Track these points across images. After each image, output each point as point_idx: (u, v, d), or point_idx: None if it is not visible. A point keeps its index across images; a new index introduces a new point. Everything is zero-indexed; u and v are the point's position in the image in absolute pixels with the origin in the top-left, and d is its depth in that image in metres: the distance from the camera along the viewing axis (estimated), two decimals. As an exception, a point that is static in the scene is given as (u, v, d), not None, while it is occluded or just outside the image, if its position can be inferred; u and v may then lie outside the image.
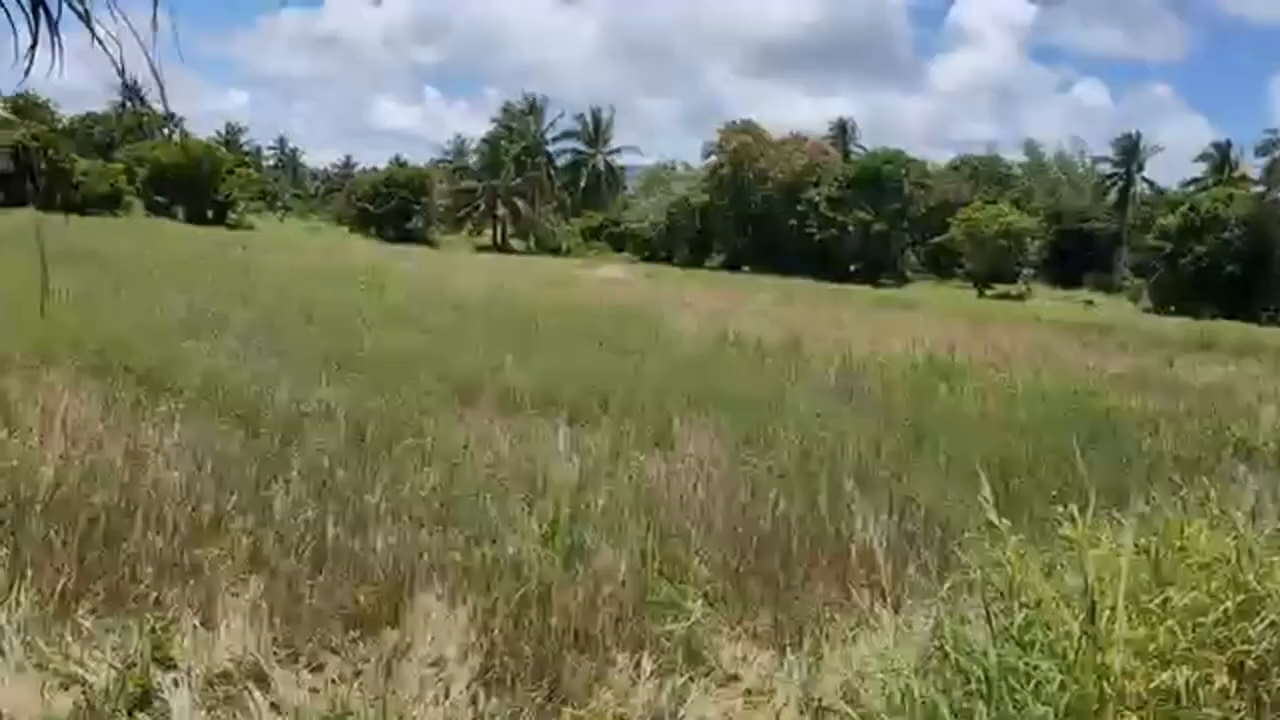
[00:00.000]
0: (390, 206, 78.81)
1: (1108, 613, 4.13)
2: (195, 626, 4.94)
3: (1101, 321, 35.45)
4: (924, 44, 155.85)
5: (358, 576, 5.58)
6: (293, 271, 28.02)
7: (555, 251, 79.17)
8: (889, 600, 6.54)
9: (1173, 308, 55.91)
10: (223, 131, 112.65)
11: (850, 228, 72.29)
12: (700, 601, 5.69)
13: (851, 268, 71.16)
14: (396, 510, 6.74)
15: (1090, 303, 60.69)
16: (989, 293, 65.48)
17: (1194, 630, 4.40)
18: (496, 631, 5.02)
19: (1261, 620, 4.70)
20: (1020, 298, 63.71)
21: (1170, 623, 4.33)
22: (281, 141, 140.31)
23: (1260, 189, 60.68)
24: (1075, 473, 9.28)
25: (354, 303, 19.39)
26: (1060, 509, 5.56)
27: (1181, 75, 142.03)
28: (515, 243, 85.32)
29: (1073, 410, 13.52)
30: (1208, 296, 54.96)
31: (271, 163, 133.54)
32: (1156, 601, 4.45)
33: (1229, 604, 4.60)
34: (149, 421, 8.51)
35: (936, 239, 74.41)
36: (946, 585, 4.82)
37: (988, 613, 4.05)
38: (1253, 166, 67.66)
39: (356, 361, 12.12)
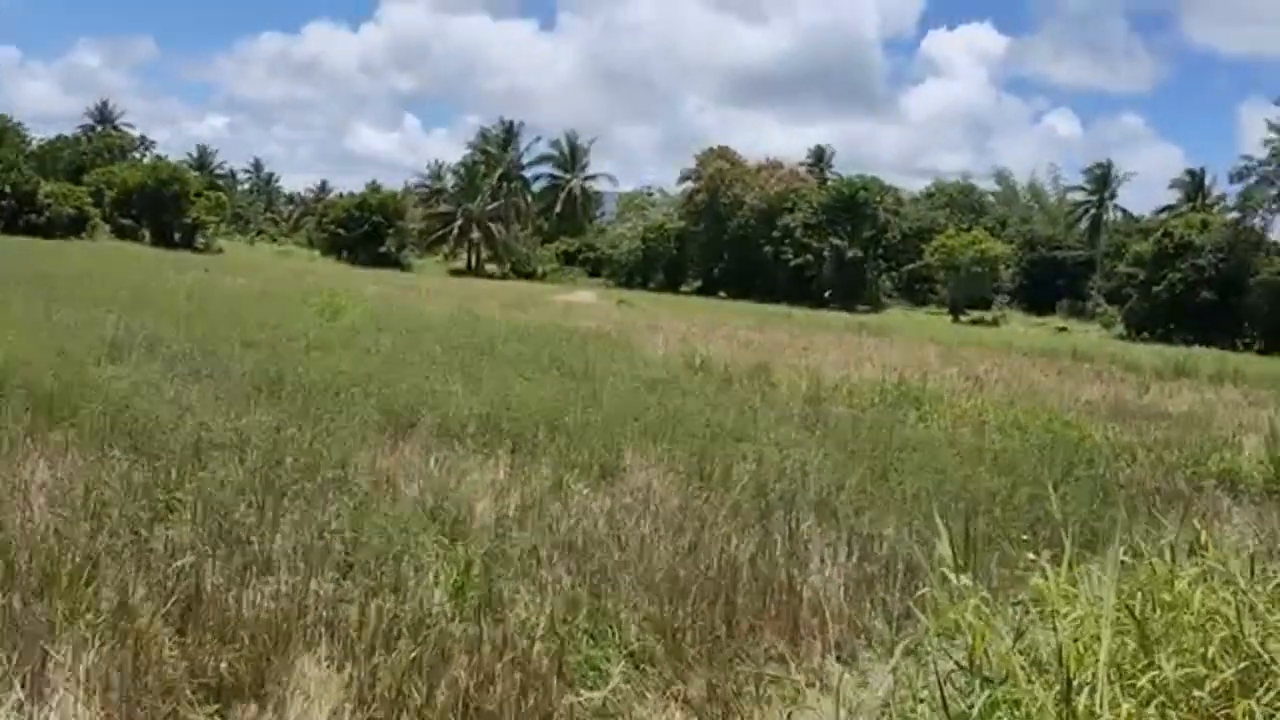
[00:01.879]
0: (363, 230, 77.94)
1: (1086, 690, 3.46)
2: (20, 702, 4.18)
3: (1076, 348, 35.04)
4: (897, 74, 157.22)
5: (229, 636, 4.84)
6: (249, 295, 27.20)
7: (530, 276, 78.53)
8: (844, 653, 5.88)
9: (1146, 334, 55.79)
10: (194, 154, 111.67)
11: (826, 254, 72.10)
12: (624, 663, 4.98)
13: (827, 294, 70.89)
14: (294, 555, 6.00)
15: (1064, 329, 60.52)
16: (964, 319, 65.26)
17: (1189, 708, 3.73)
18: (375, 705, 4.29)
19: (1269, 691, 4.03)
20: (994, 323, 63.51)
21: (1161, 698, 3.66)
22: (257, 165, 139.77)
23: (1234, 215, 60.73)
24: (1050, 508, 8.66)
25: (305, 326, 18.60)
26: (1031, 556, 4.93)
27: (1152, 105, 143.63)
28: (490, 267, 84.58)
29: (1047, 439, 12.93)
30: (1182, 323, 54.87)
31: (246, 186, 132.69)
32: (1144, 673, 3.79)
33: (1229, 673, 3.94)
34: (39, 453, 7.75)
35: (911, 265, 74.36)
36: (899, 648, 4.13)
37: (942, 697, 3.35)
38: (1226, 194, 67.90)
39: (289, 387, 11.35)
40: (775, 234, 74.15)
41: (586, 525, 7.40)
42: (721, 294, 70.99)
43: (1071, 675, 3.33)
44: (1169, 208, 77.37)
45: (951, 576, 3.88)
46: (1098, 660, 3.63)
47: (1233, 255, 57.12)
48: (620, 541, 6.97)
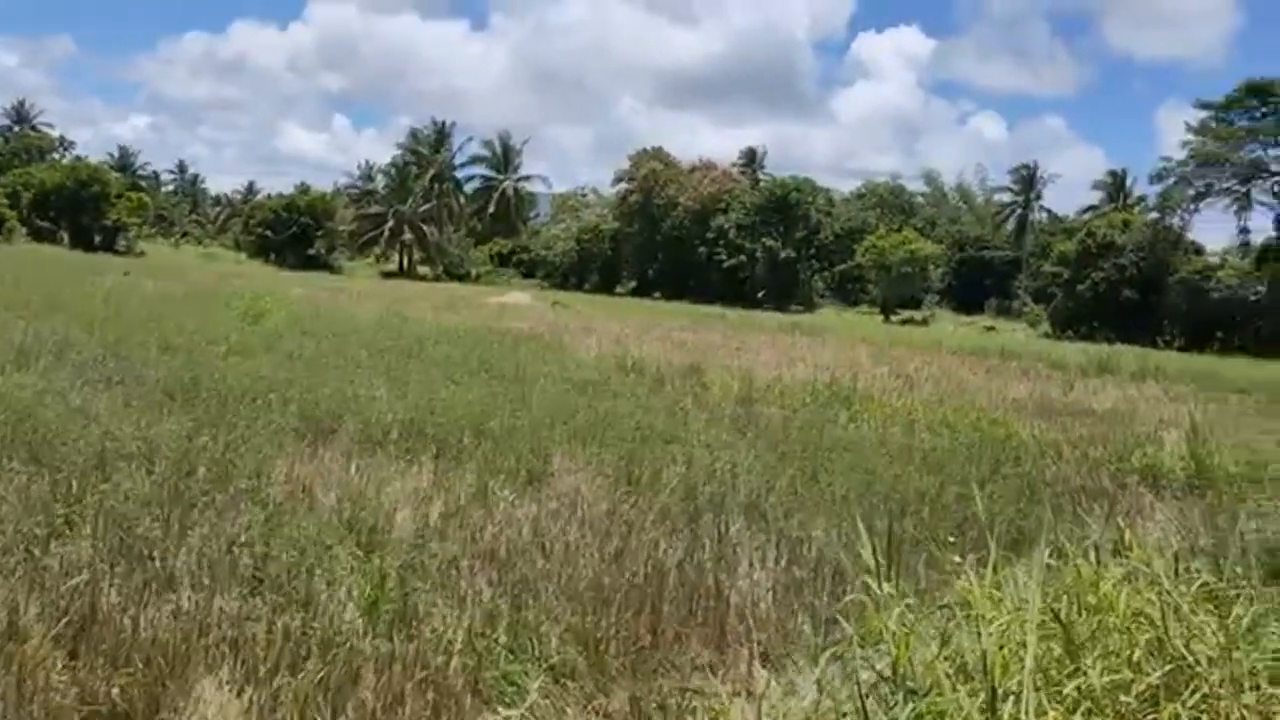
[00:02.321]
0: (291, 232, 76.52)
1: (1011, 699, 3.37)
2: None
3: (1003, 346, 35.59)
4: (828, 76, 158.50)
5: (123, 659, 4.57)
6: (171, 298, 26.45)
7: (464, 278, 77.75)
8: (772, 661, 5.76)
9: (1071, 333, 56.95)
10: (115, 155, 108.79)
11: (759, 254, 72.46)
12: (543, 677, 4.80)
13: (761, 294, 71.26)
14: (199, 571, 5.72)
15: (991, 328, 61.56)
16: (894, 318, 66.06)
17: (1116, 713, 3.67)
18: (277, 731, 4.07)
19: (1194, 694, 3.99)
20: (924, 323, 64.39)
21: (1087, 705, 3.59)
22: (181, 166, 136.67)
23: (1154, 215, 62.28)
24: (977, 508, 8.66)
25: (226, 331, 18.09)
26: (957, 559, 4.86)
27: (1075, 108, 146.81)
28: (423, 269, 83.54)
29: (976, 438, 13.02)
30: (1105, 321, 56.10)
31: (170, 188, 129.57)
32: (1071, 679, 3.71)
33: (1154, 677, 3.89)
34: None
35: (843, 266, 75.09)
36: (823, 658, 4.01)
37: (864, 709, 3.24)
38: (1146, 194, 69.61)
39: (204, 394, 10.96)
40: (709, 235, 74.38)
41: (510, 533, 7.21)
42: (656, 295, 70.96)
43: (996, 683, 3.23)
44: (1092, 208, 79.16)
45: (871, 582, 3.78)
46: (1025, 668, 3.54)
47: (1153, 254, 58.55)
48: (545, 549, 6.80)
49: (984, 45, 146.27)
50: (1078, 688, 3.57)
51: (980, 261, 77.36)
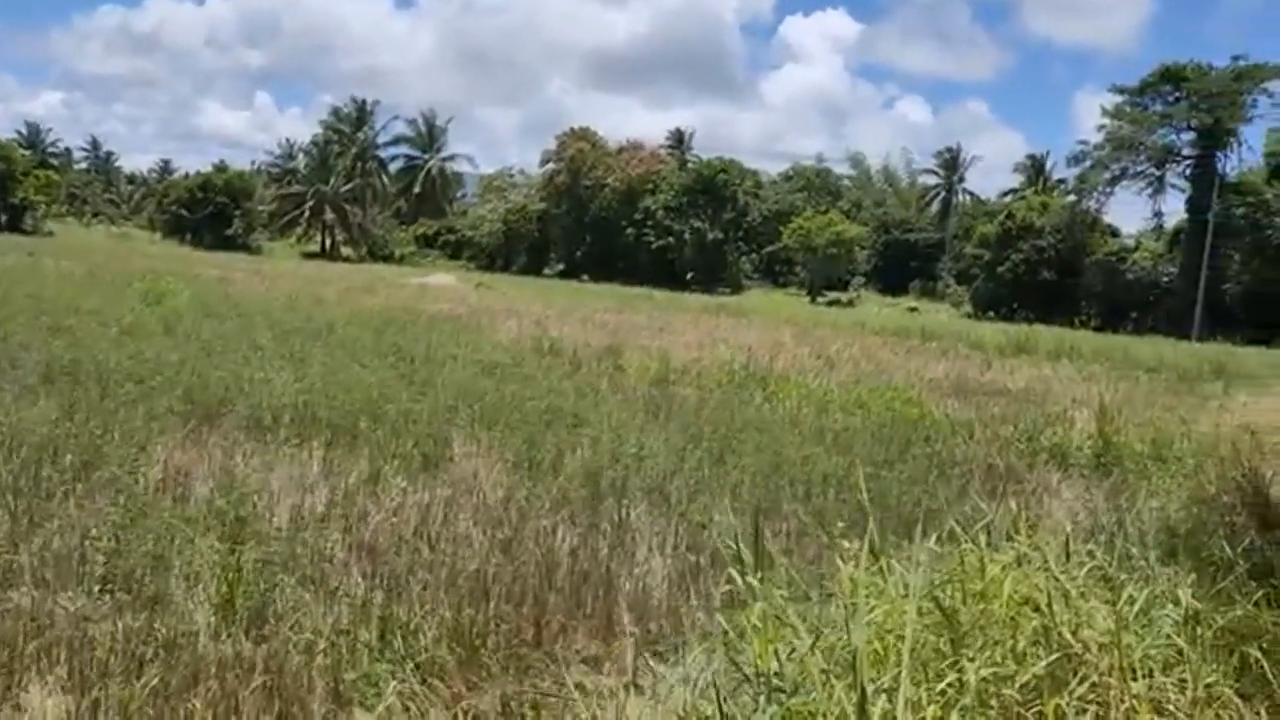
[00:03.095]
0: (208, 212, 74.39)
1: (886, 695, 3.15)
2: None
3: (925, 327, 35.94)
4: (756, 59, 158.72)
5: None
6: (72, 279, 25.37)
7: (388, 259, 76.41)
8: (662, 653, 5.52)
9: (992, 314, 57.89)
10: (23, 132, 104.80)
11: (687, 236, 72.38)
12: (407, 678, 4.48)
13: (689, 276, 71.23)
14: (41, 567, 5.28)
15: (915, 309, 62.31)
16: (821, 300, 66.53)
17: (999, 707, 3.48)
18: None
19: (1081, 683, 3.82)
20: (850, 304, 64.95)
21: (966, 700, 3.38)
22: (94, 144, 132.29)
23: (1071, 198, 63.48)
24: (885, 489, 8.52)
25: (123, 312, 17.33)
26: (846, 544, 4.66)
27: (995, 93, 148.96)
28: (347, 250, 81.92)
29: (889, 417, 12.96)
30: (1024, 302, 57.11)
31: (83, 166, 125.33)
32: (952, 670, 3.51)
33: (1039, 667, 3.71)
34: None
35: (771, 248, 75.38)
36: (692, 656, 3.76)
37: (720, 709, 2.99)
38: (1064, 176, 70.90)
39: (84, 377, 10.38)
40: (637, 216, 74.08)
41: (397, 522, 6.86)
42: (584, 277, 70.53)
43: (869, 679, 3.00)
44: (1013, 191, 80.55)
45: (736, 576, 3.54)
46: (902, 661, 3.32)
47: (1070, 236, 59.73)
48: (430, 539, 6.46)
49: (908, 30, 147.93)
50: (958, 680, 3.37)
51: (905, 244, 78.26)
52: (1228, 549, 6.09)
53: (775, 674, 3.20)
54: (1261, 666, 4.78)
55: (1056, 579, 3.91)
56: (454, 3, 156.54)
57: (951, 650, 3.53)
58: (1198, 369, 26.20)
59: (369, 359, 14.42)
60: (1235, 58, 56.79)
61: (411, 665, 4.58)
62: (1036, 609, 3.85)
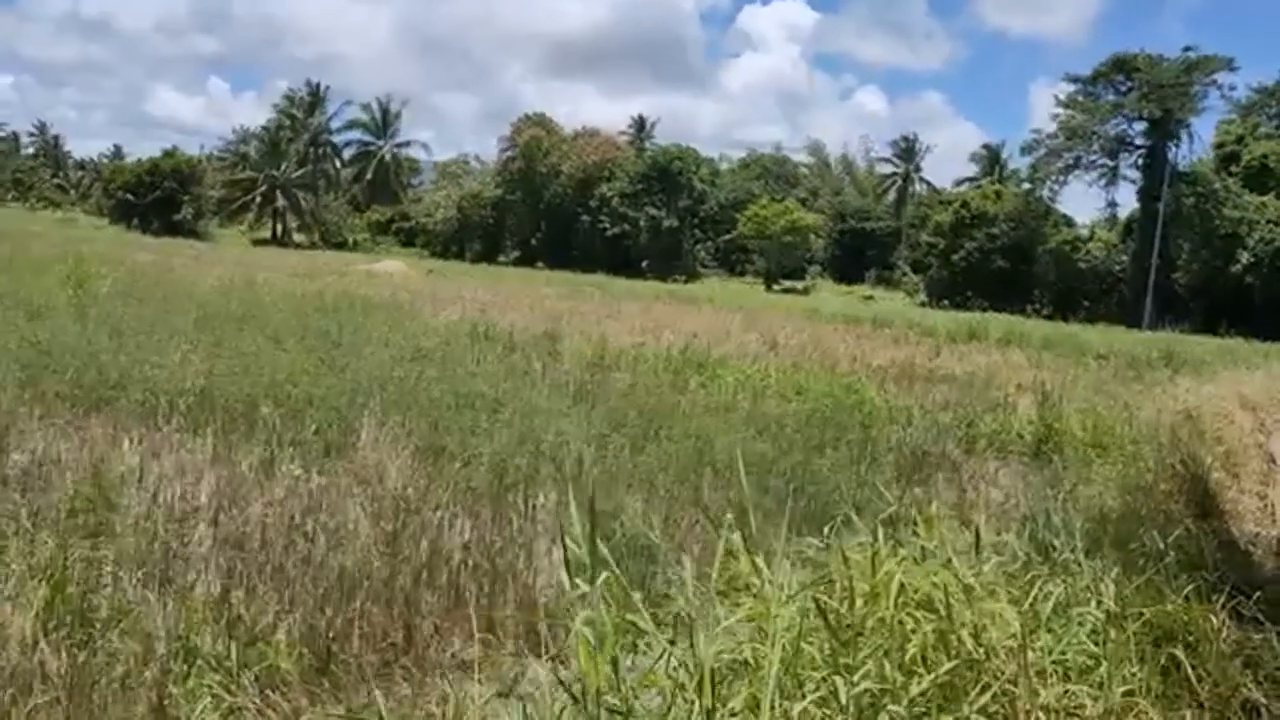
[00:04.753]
0: (155, 197, 72.65)
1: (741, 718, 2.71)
2: None
3: (877, 314, 35.79)
4: (715, 48, 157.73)
5: None
6: (-4, 262, 24.37)
7: (342, 246, 75.13)
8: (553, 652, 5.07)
9: (946, 301, 57.97)
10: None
11: (642, 223, 71.87)
12: (252, 689, 3.99)
13: (644, 263, 70.72)
14: None
15: (870, 297, 62.28)
16: (777, 288, 66.34)
17: (880, 725, 3.05)
18: None
19: (983, 692, 3.41)
20: (806, 292, 64.78)
21: (844, 718, 2.96)
22: (42, 128, 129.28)
23: (1026, 186, 63.74)
24: (812, 475, 8.10)
25: (39, 295, 16.56)
26: (737, 536, 4.22)
27: (951, 83, 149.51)
28: (299, 237, 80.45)
29: (827, 403, 12.59)
30: (978, 290, 57.23)
31: (30, 151, 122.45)
32: (830, 683, 3.08)
33: (934, 677, 3.30)
34: None
35: (728, 236, 75.07)
36: (538, 664, 3.30)
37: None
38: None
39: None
40: (592, 203, 73.43)
41: (280, 513, 6.35)
42: (540, 264, 69.80)
43: (712, 701, 2.56)
44: (970, 179, 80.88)
45: (573, 580, 3.09)
46: (771, 672, 2.89)
47: (1023, 225, 59.95)
48: (308, 533, 5.96)
49: (865, 20, 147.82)
50: (832, 694, 2.94)
51: (862, 232, 78.28)
52: (1158, 539, 5.74)
53: (612, 692, 2.74)
54: (1188, 667, 4.44)
55: (957, 577, 3.49)
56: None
57: (831, 660, 3.10)
58: (1146, 356, 26.22)
59: (290, 344, 13.81)
60: (1186, 49, 57.22)
61: (251, 675, 4.08)
62: (935, 611, 3.43)
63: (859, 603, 3.36)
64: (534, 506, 7.15)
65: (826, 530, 4.31)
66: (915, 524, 4.55)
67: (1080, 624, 4.33)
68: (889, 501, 6.64)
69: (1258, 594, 5.58)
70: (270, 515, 6.25)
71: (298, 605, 4.80)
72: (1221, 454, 11.69)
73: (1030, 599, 4.07)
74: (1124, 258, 58.31)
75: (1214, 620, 5.27)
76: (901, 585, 3.42)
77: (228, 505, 6.42)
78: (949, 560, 3.96)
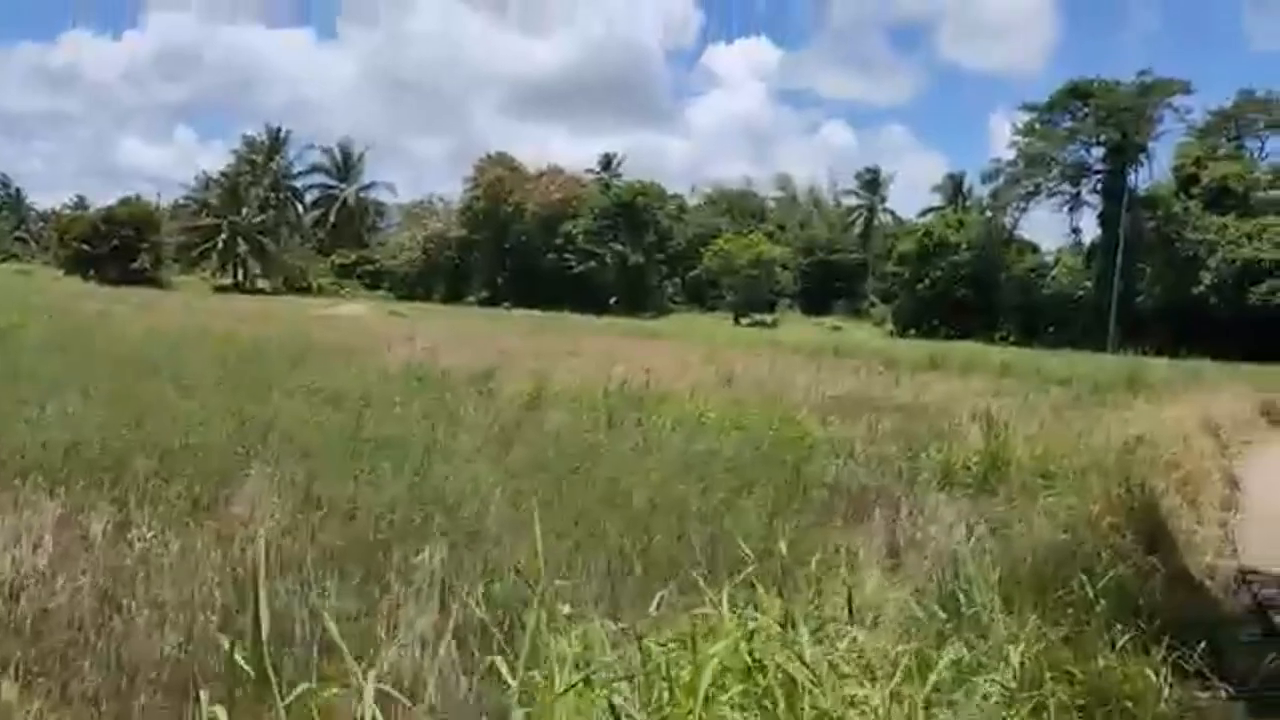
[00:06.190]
0: (111, 246, 71.57)
1: None
2: None
3: (839, 345, 35.40)
4: (680, 87, 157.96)
5: None
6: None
7: (305, 290, 74.18)
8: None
9: (913, 331, 57.72)
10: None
11: (609, 260, 71.48)
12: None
13: (612, 300, 70.22)
14: None
15: (838, 328, 61.98)
16: (744, 322, 65.96)
17: None
18: None
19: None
20: (774, 325, 64.45)
21: None
22: (4, 181, 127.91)
23: (988, 214, 63.86)
24: (735, 519, 7.43)
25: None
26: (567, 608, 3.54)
27: (914, 116, 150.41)
28: (262, 283, 79.38)
29: (767, 438, 11.93)
30: (944, 319, 57.06)
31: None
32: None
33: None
34: None
35: (694, 271, 74.78)
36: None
37: None
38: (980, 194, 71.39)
39: None
40: (558, 241, 73.06)
41: (103, 586, 5.59)
42: (507, 304, 69.18)
43: None
44: (935, 208, 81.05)
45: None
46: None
47: (986, 253, 59.94)
48: (122, 608, 5.20)
49: (828, 56, 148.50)
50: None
51: (830, 264, 78.23)
52: (1088, 585, 5.10)
53: None
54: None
55: (796, 655, 2.80)
56: (376, 36, 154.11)
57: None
58: (1109, 381, 25.86)
59: (204, 393, 13.05)
60: (1141, 73, 57.66)
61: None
62: (771, 702, 2.74)
63: (673, 694, 2.67)
64: (408, 563, 6.42)
65: (662, 594, 3.62)
66: (811, 576, 3.88)
67: (985, 696, 3.66)
68: (808, 548, 5.99)
69: (1201, 645, 4.94)
70: (91, 588, 5.49)
71: (71, 702, 4.05)
72: (1178, 480, 11.11)
73: (923, 670, 3.38)
74: (1088, 283, 58.34)
75: (1153, 678, 4.63)
76: (733, 671, 2.73)
77: (49, 577, 5.65)
78: (819, 627, 3.28)
